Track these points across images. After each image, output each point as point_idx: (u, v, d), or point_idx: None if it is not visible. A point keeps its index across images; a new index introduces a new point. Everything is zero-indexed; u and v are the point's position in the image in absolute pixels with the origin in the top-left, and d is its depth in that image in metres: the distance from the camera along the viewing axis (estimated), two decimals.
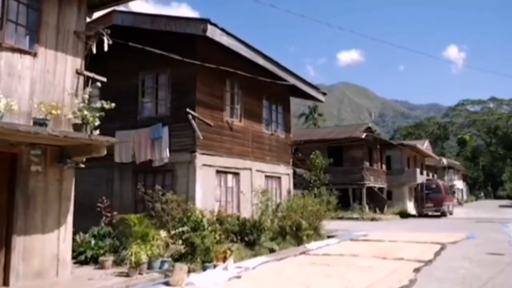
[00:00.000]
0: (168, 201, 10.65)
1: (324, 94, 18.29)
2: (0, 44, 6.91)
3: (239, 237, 11.46)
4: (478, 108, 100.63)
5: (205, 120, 12.25)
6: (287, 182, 16.82)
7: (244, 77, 13.72)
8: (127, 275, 8.11)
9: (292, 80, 15.52)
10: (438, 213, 29.02)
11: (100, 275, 8.20)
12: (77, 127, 7.72)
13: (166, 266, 8.75)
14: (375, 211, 28.55)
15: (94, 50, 8.80)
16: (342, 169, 29.22)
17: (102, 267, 8.96)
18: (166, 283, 7.71)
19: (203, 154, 12.07)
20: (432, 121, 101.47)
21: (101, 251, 9.53)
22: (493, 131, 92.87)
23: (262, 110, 15.51)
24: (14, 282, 7.00)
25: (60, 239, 8.01)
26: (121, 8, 11.95)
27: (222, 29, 11.48)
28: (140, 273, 8.24)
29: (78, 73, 8.68)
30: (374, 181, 30.24)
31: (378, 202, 29.76)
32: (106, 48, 8.79)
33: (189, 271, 8.53)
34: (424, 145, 45.74)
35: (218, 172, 12.77)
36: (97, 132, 7.82)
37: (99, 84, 8.18)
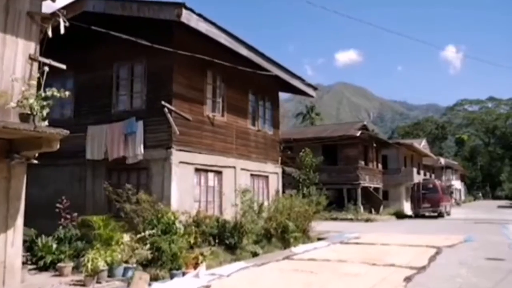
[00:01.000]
0: (139, 201, 9.77)
1: (315, 89, 17.40)
2: None
3: (217, 241, 10.58)
4: (476, 108, 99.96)
5: (182, 114, 11.37)
6: (275, 182, 15.94)
7: (228, 69, 12.84)
8: (84, 284, 7.24)
9: (278, 73, 14.62)
10: (435, 214, 28.16)
11: (53, 284, 7.33)
12: (23, 118, 6.82)
13: (130, 273, 7.86)
14: (370, 212, 27.67)
15: (50, 34, 7.88)
16: (336, 168, 28.39)
17: (60, 274, 8.10)
18: None
19: (180, 150, 11.19)
20: (430, 121, 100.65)
21: (62, 256, 8.66)
22: (492, 131, 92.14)
23: (247, 104, 14.63)
24: None
25: (8, 244, 7.08)
26: None
27: (199, 15, 10.60)
28: (98, 282, 7.37)
29: (32, 58, 7.76)
30: (370, 181, 29.37)
31: (374, 202, 28.90)
32: (62, 31, 7.87)
33: (154, 279, 7.68)
34: (421, 144, 44.90)
35: (197, 170, 11.90)
36: (45, 123, 6.90)
37: (46, 68, 7.24)
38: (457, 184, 62.10)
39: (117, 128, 11.53)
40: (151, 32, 11.06)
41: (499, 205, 50.31)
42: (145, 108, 11.57)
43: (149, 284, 7.15)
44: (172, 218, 9.18)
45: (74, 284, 7.35)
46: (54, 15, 7.94)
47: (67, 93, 7.52)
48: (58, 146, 7.49)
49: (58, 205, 9.12)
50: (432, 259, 9.87)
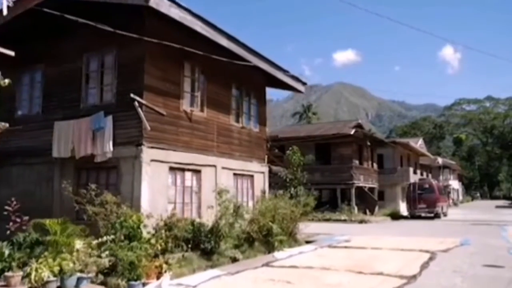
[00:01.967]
0: (104, 202, 8.89)
1: (304, 83, 16.50)
2: None
3: (190, 246, 9.70)
4: (474, 107, 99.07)
5: (155, 108, 10.49)
6: (261, 181, 15.06)
7: (208, 61, 11.99)
8: None
9: (262, 65, 13.75)
10: (432, 215, 27.31)
11: None
12: None
13: (84, 283, 7.03)
14: (365, 213, 26.81)
15: None
16: (330, 167, 27.54)
17: (7, 284, 7.21)
18: None
19: (152, 147, 10.31)
20: (428, 121, 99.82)
21: (14, 264, 7.76)
22: (490, 130, 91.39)
23: (230, 99, 13.75)
24: None
25: None
26: None
27: (171, 0, 9.72)
28: None
29: None
30: (364, 180, 28.51)
31: (368, 203, 28.05)
32: (5, 12, 7.02)
33: None
34: (418, 143, 44.06)
35: (172, 169, 11.02)
36: None
37: None
38: (454, 184, 61.37)
39: (85, 124, 10.66)
40: (121, 20, 10.22)
41: (497, 205, 49.58)
42: (115, 102, 10.70)
43: None
44: (137, 221, 8.28)
45: None
46: None
47: (6, 81, 6.69)
48: None
49: (6, 207, 8.19)
50: (424, 266, 9.01)
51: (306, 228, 14.32)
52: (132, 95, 9.96)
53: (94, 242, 7.72)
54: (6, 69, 8.95)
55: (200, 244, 10.02)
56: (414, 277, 7.89)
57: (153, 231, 9.50)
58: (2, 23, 10.29)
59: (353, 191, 26.69)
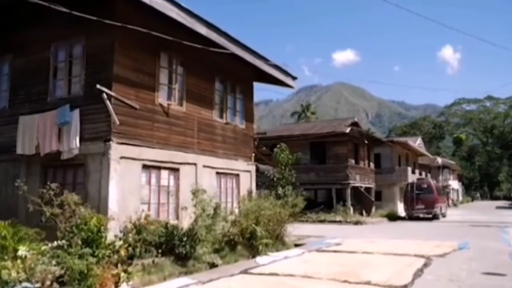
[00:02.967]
0: (64, 203, 8.04)
1: (294, 78, 15.64)
2: None
3: (162, 250, 8.88)
4: (474, 107, 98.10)
5: (126, 101, 9.66)
6: (247, 181, 14.22)
7: (187, 52, 11.22)
8: None
9: (248, 57, 12.91)
10: (430, 216, 26.44)
11: None
12: None
13: None
14: (361, 214, 25.92)
15: None
16: (325, 167, 26.67)
17: None
18: None
19: (122, 143, 9.48)
20: (428, 120, 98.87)
21: None
22: (490, 130, 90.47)
23: (213, 94, 12.91)
24: None
25: None
26: None
27: None
28: None
29: None
30: (361, 180, 27.64)
31: (365, 203, 27.16)
32: None
33: None
34: (417, 143, 43.16)
35: (146, 167, 10.19)
36: None
37: None
38: (454, 184, 60.52)
39: (50, 118, 9.83)
40: (91, 7, 9.36)
41: (498, 206, 48.73)
42: (83, 95, 9.86)
43: None
44: (97, 224, 7.44)
45: None
46: None
47: None
48: None
49: None
50: (417, 274, 8.16)
51: (298, 230, 13.55)
52: (98, 86, 9.11)
53: (44, 247, 6.87)
54: None
55: (175, 248, 9.22)
56: (405, 287, 7.05)
57: (121, 235, 8.71)
58: None
59: (348, 191, 25.82)
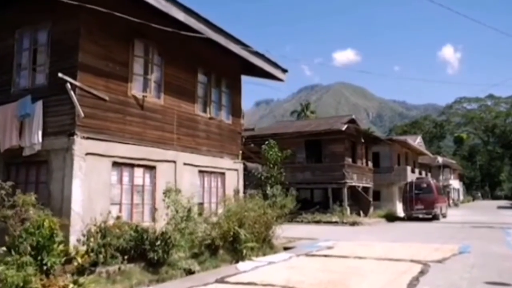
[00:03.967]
0: (18, 204, 7.19)
1: (284, 71, 14.75)
2: None
3: (131, 256, 8.02)
4: (475, 106, 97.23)
5: (93, 92, 8.80)
6: (234, 180, 13.34)
7: (166, 41, 10.43)
8: None
9: (230, 46, 12.02)
10: (429, 216, 25.54)
11: None
12: None
13: None
14: (358, 214, 25.02)
15: None
16: (321, 166, 25.78)
17: None
18: None
19: (88, 138, 8.63)
20: (428, 120, 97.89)
21: None
22: (491, 129, 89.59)
23: (196, 86, 12.04)
24: None
25: None
26: None
27: None
28: None
29: None
30: (358, 179, 26.74)
31: (362, 203, 26.25)
32: None
33: None
34: (416, 141, 42.22)
35: (117, 164, 9.33)
36: None
37: None
38: (455, 183, 59.61)
39: (10, 111, 8.99)
40: None
41: (499, 206, 47.84)
42: (47, 85, 9.01)
43: None
44: (50, 228, 6.59)
45: None
46: None
47: None
48: None
49: None
50: (413, 283, 7.29)
51: (291, 231, 12.74)
52: (60, 74, 8.25)
53: None
54: None
55: (146, 253, 8.37)
56: None
57: (84, 239, 7.86)
58: None
59: (345, 191, 24.93)
